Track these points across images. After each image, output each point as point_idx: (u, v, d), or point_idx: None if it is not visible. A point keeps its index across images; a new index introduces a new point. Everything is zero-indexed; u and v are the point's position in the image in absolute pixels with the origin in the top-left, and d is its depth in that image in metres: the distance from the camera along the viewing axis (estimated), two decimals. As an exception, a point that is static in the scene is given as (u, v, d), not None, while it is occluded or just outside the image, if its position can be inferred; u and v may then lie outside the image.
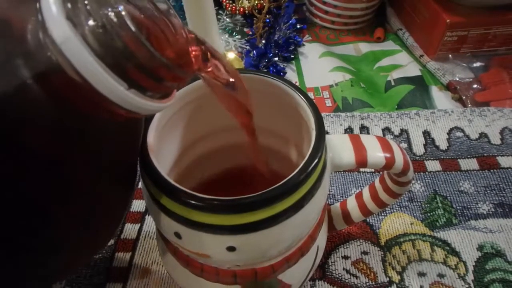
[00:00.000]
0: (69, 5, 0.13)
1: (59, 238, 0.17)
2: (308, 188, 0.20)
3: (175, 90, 0.18)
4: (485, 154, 0.42)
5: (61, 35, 0.13)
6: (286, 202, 0.19)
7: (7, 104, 0.14)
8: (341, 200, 0.36)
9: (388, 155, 0.24)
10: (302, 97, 0.24)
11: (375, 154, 0.24)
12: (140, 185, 0.41)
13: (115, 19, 0.14)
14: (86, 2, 0.14)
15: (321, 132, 0.22)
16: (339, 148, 0.24)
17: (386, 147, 0.24)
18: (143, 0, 0.17)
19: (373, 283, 0.33)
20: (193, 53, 0.18)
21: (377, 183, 0.29)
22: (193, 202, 0.19)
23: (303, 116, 0.24)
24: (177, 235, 0.20)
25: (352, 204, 0.31)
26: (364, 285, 0.33)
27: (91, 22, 0.14)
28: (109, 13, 0.14)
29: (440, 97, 0.50)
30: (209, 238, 0.20)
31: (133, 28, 0.14)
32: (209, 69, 0.19)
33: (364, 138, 0.24)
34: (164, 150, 0.26)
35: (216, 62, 0.20)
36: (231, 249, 0.20)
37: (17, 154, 0.14)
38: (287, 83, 0.25)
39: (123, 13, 0.14)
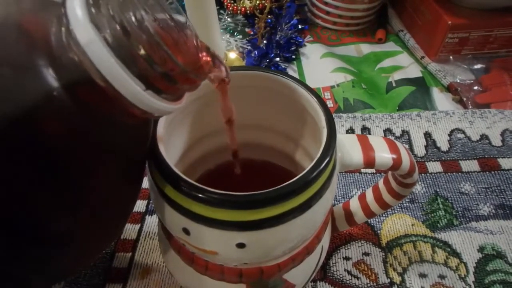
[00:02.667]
0: (93, 10, 0.14)
1: (67, 233, 0.17)
2: (318, 187, 0.20)
3: (186, 93, 0.19)
4: (486, 156, 0.42)
5: (86, 37, 0.14)
6: (296, 200, 0.19)
7: (32, 103, 0.14)
8: (343, 201, 0.36)
9: (395, 156, 0.24)
10: (311, 95, 0.24)
11: (383, 155, 0.24)
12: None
13: (136, 24, 0.15)
14: (109, 7, 0.14)
15: (332, 130, 0.22)
16: (348, 148, 0.24)
17: (393, 148, 0.24)
18: (160, 11, 0.17)
19: (374, 284, 0.33)
20: (203, 58, 0.19)
21: (381, 185, 0.29)
22: (205, 197, 0.18)
23: (312, 114, 0.24)
24: (186, 231, 0.20)
25: (355, 205, 0.31)
26: (365, 286, 0.33)
27: (114, 26, 0.14)
28: (131, 18, 0.15)
29: (441, 99, 0.51)
30: (219, 234, 0.19)
31: (153, 33, 0.15)
32: (217, 73, 0.20)
33: (372, 138, 0.24)
34: (171, 145, 0.25)
35: (222, 66, 0.21)
36: (240, 246, 0.20)
37: (33, 150, 0.15)
38: (296, 81, 0.25)
39: (144, 18, 0.15)
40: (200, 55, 0.19)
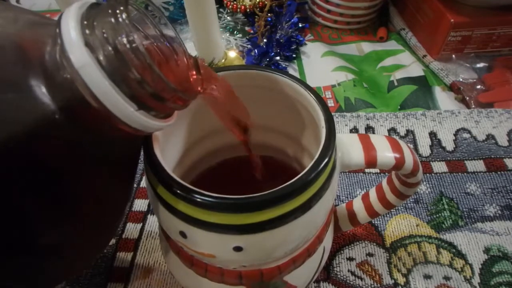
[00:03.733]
0: (87, 31, 0.15)
1: (58, 245, 0.18)
2: (318, 187, 0.20)
3: (176, 111, 0.20)
4: (492, 156, 0.41)
5: (80, 60, 0.14)
6: (295, 202, 0.19)
7: (24, 119, 0.15)
8: (346, 201, 0.35)
9: (398, 155, 0.23)
10: (311, 94, 0.23)
11: (385, 154, 0.23)
12: (142, 184, 0.40)
13: (129, 47, 0.15)
14: (103, 30, 0.15)
15: (332, 130, 0.21)
16: (348, 147, 0.23)
17: (396, 147, 0.23)
18: (150, 27, 0.18)
19: (378, 285, 0.32)
20: (193, 77, 0.20)
21: (384, 184, 0.29)
22: (200, 200, 0.18)
23: (312, 113, 0.24)
24: (182, 234, 0.20)
25: (358, 205, 0.31)
26: (369, 287, 0.32)
27: (107, 48, 0.15)
28: (124, 41, 0.15)
29: (443, 98, 0.50)
30: (216, 238, 0.19)
31: (145, 56, 0.15)
32: (208, 91, 0.21)
33: (373, 138, 0.24)
34: (170, 146, 0.25)
35: (213, 84, 0.21)
36: (237, 249, 0.19)
37: (27, 166, 0.15)
38: (296, 80, 0.24)
39: (136, 41, 0.15)
40: (190, 73, 0.20)
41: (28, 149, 0.15)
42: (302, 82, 0.24)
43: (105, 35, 0.15)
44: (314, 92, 0.23)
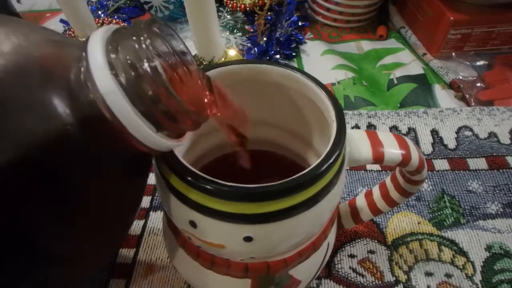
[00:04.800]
0: (112, 55, 0.16)
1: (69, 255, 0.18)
2: (327, 181, 0.20)
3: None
4: (494, 154, 0.41)
5: (106, 86, 0.15)
6: (304, 194, 0.19)
7: (47, 135, 0.15)
8: (348, 198, 0.35)
9: (404, 152, 0.23)
10: (320, 88, 0.23)
11: (392, 150, 0.23)
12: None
13: (150, 72, 0.15)
14: (127, 56, 0.16)
15: (342, 124, 0.21)
16: (357, 143, 0.23)
17: (402, 144, 0.24)
18: (167, 48, 0.18)
19: (380, 282, 0.32)
20: (207, 98, 0.21)
21: (388, 182, 0.29)
22: (212, 188, 0.18)
23: (320, 108, 0.24)
24: (192, 224, 0.20)
25: (361, 202, 0.31)
26: (371, 284, 0.32)
27: (130, 74, 0.15)
28: (146, 66, 0.15)
29: (443, 96, 0.50)
30: (226, 227, 0.19)
31: (166, 82, 0.16)
32: (219, 113, 0.21)
33: (381, 134, 0.24)
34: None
35: (224, 104, 0.22)
36: (248, 239, 0.19)
37: (42, 173, 0.15)
38: (303, 74, 0.24)
39: (158, 67, 0.16)
40: (204, 94, 0.20)
41: (46, 160, 0.15)
42: (310, 76, 0.24)
43: (128, 60, 0.16)
44: (323, 86, 0.23)
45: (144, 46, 0.16)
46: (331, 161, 0.19)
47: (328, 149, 0.20)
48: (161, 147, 0.18)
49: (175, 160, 0.19)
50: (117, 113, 0.15)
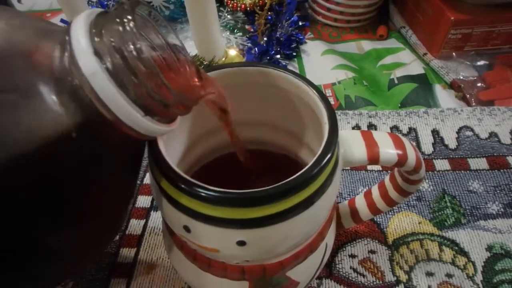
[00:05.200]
0: (96, 39, 0.15)
1: (63, 248, 0.18)
2: (320, 183, 0.20)
3: (178, 116, 0.20)
4: (495, 154, 0.41)
5: (89, 68, 0.15)
6: (298, 197, 0.19)
7: (34, 122, 0.15)
8: (349, 198, 0.35)
9: (400, 152, 0.23)
10: (313, 90, 0.23)
11: (388, 150, 0.23)
12: (145, 180, 0.40)
13: (136, 55, 0.15)
14: (111, 38, 0.15)
15: (334, 126, 0.21)
16: (351, 143, 0.23)
17: (398, 144, 0.23)
18: (154, 33, 0.18)
19: (381, 282, 0.32)
20: (195, 84, 0.20)
21: (387, 181, 0.28)
22: (203, 194, 0.18)
23: (314, 109, 0.24)
24: (186, 228, 0.20)
25: (360, 202, 0.30)
26: (371, 284, 0.32)
27: (115, 56, 0.15)
28: (131, 49, 0.15)
29: (444, 96, 0.50)
30: (219, 232, 0.19)
31: (152, 64, 0.16)
32: (208, 96, 0.21)
33: (376, 134, 0.24)
34: (172, 146, 0.25)
35: (211, 89, 0.22)
36: (241, 243, 0.19)
37: (37, 171, 0.15)
38: (298, 76, 0.24)
39: (143, 49, 0.16)
40: (192, 80, 0.20)
41: (35, 151, 0.15)
42: (304, 78, 0.24)
43: (113, 43, 0.15)
44: (317, 88, 0.23)
45: (128, 28, 0.15)
46: (323, 163, 0.19)
47: (319, 151, 0.20)
48: (151, 132, 0.18)
49: (167, 166, 0.19)
50: (102, 96, 0.15)
